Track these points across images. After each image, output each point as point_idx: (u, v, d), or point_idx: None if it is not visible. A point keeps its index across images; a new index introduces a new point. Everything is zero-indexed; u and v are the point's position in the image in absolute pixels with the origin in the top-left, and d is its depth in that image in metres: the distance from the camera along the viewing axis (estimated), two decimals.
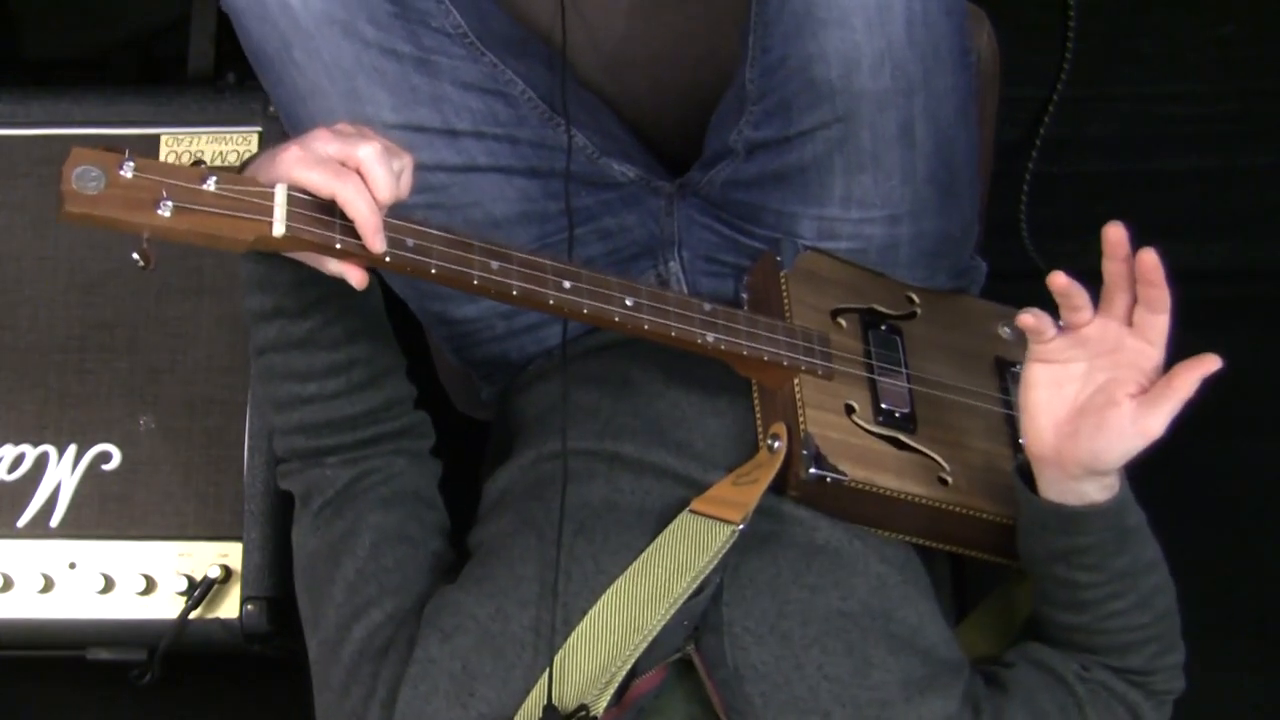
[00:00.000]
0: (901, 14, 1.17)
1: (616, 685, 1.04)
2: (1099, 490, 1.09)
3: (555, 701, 1.02)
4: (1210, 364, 1.02)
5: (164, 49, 1.77)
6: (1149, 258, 1.03)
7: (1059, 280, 1.06)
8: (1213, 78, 1.80)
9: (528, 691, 1.05)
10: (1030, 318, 1.08)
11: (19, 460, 1.42)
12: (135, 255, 0.94)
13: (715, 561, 1.08)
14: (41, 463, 1.42)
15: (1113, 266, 1.05)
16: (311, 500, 1.16)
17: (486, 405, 1.46)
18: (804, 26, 1.18)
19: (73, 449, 1.42)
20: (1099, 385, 1.07)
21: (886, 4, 1.16)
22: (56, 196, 0.92)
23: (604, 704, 1.03)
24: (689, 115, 1.41)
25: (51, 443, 1.42)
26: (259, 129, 1.46)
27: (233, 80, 1.52)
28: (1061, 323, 1.08)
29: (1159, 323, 1.05)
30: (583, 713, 1.02)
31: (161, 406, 1.43)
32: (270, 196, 0.97)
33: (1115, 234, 1.04)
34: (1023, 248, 1.80)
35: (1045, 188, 1.80)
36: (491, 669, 1.06)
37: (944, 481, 1.18)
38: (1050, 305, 1.09)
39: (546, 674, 1.04)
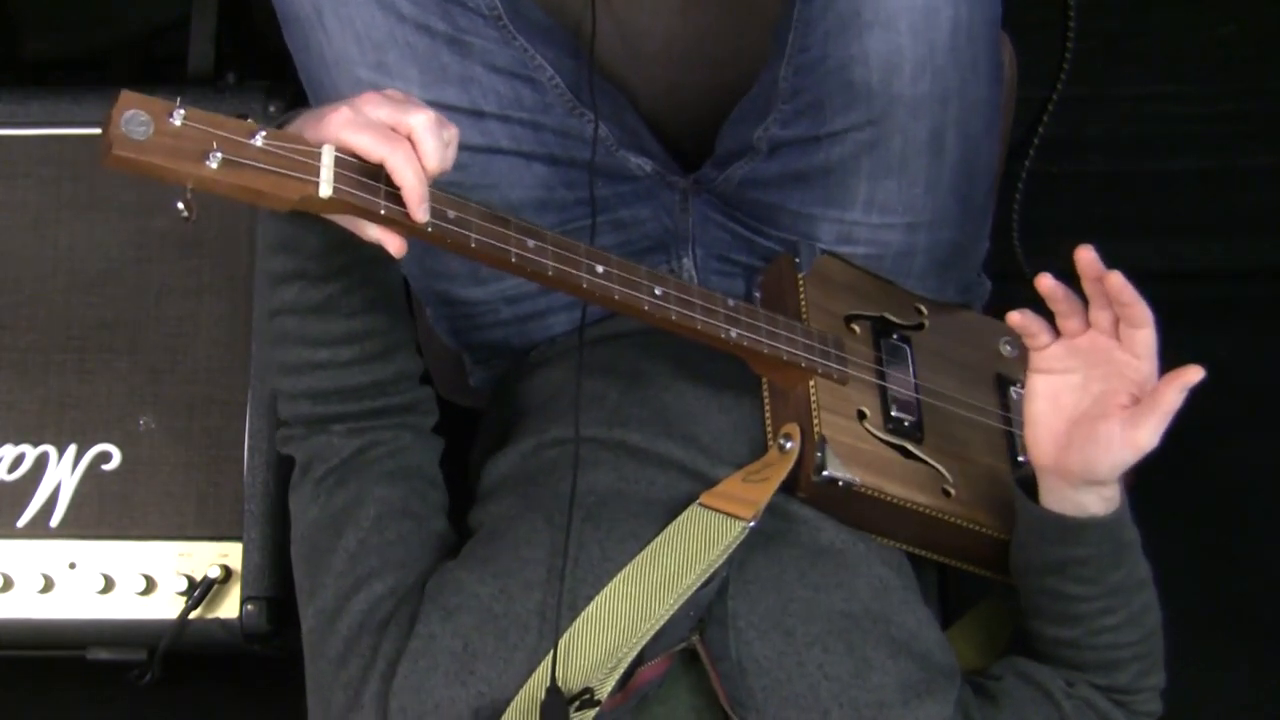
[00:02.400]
0: (947, 22, 1.17)
1: (622, 671, 1.04)
2: (1098, 502, 1.09)
3: (559, 684, 1.02)
4: (1193, 375, 1.02)
5: (164, 49, 1.77)
6: (1115, 280, 1.04)
7: (1045, 283, 1.06)
8: (1213, 78, 1.81)
9: (530, 673, 1.04)
10: (1018, 316, 1.09)
11: (19, 460, 1.42)
12: (180, 205, 0.92)
13: (725, 556, 1.08)
14: (41, 463, 1.42)
15: (1089, 287, 1.06)
16: (313, 468, 1.16)
17: (474, 391, 1.46)
18: (849, 28, 1.18)
19: (73, 449, 1.42)
20: (1094, 396, 1.08)
21: (933, 10, 1.16)
22: (102, 143, 0.90)
23: (608, 689, 1.03)
24: (706, 115, 1.41)
25: (51, 443, 1.42)
26: (264, 125, 1.46)
27: (233, 80, 1.52)
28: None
29: (1142, 336, 1.05)
30: (587, 696, 1.02)
31: (161, 406, 1.43)
32: (317, 156, 0.95)
33: (1086, 256, 1.04)
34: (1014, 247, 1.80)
35: (1044, 188, 1.80)
36: (494, 649, 1.06)
37: (947, 493, 1.18)
38: (1047, 310, 1.09)
39: (550, 655, 1.03)
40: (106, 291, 1.45)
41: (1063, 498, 1.10)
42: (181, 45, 1.62)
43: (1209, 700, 1.56)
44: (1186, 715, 1.22)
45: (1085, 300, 1.07)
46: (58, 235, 1.46)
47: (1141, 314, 1.04)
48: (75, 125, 1.47)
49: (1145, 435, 1.04)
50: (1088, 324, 1.08)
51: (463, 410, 1.50)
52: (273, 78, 1.48)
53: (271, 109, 1.45)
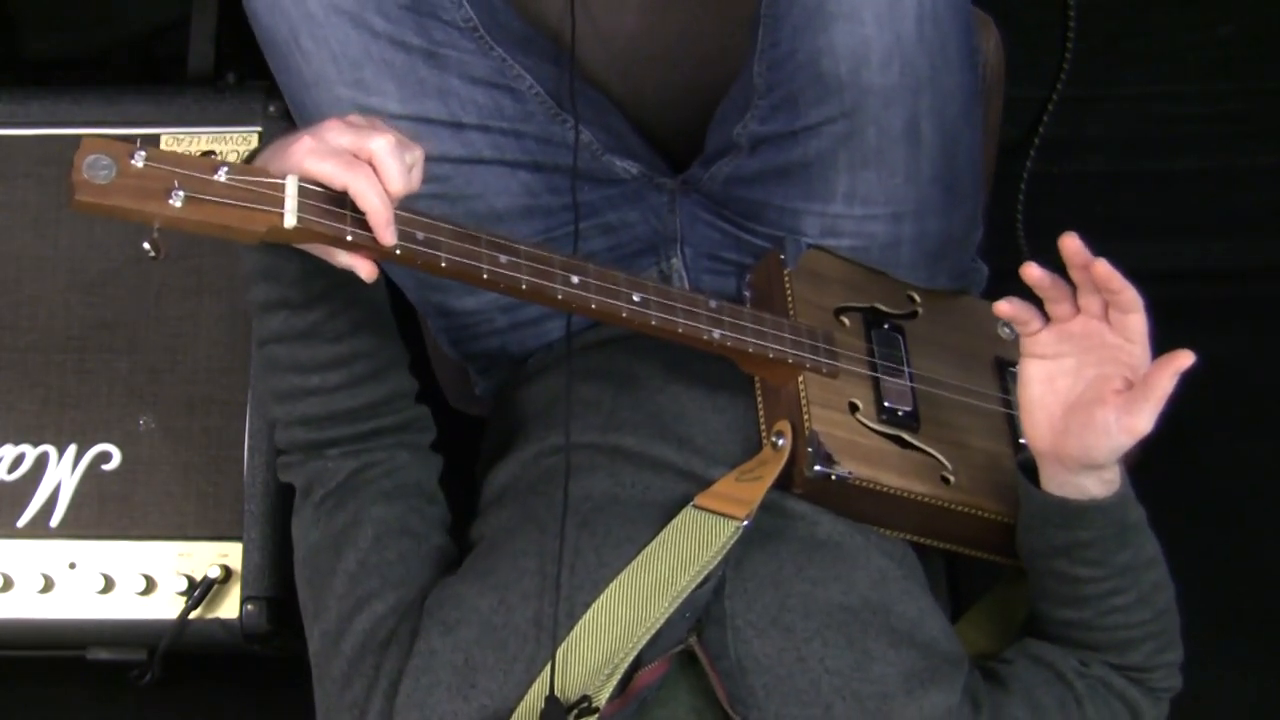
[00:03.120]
0: (912, 10, 1.17)
1: (619, 677, 1.04)
2: (1099, 485, 1.09)
3: (558, 693, 1.02)
4: (1183, 359, 1.03)
5: (164, 49, 1.77)
6: (1102, 268, 1.04)
7: (1031, 272, 1.07)
8: (1213, 78, 1.80)
9: (530, 684, 1.05)
10: (1006, 305, 1.09)
11: (19, 460, 1.42)
12: (146, 245, 0.94)
13: (720, 556, 1.08)
14: (41, 463, 1.42)
15: (1076, 275, 1.06)
16: (313, 492, 1.16)
17: (480, 400, 1.46)
18: (814, 20, 1.18)
19: (73, 449, 1.42)
20: (1089, 381, 1.08)
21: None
22: (66, 187, 0.92)
23: (606, 695, 1.03)
24: (692, 114, 1.41)
25: (51, 443, 1.42)
26: (259, 129, 1.46)
27: (233, 80, 1.52)
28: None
29: (1132, 321, 1.06)
30: (585, 704, 1.02)
31: (161, 406, 1.43)
32: (281, 188, 0.96)
33: (1071, 244, 1.05)
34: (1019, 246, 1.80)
35: (1044, 187, 1.80)
36: (494, 661, 1.06)
37: (946, 480, 1.18)
38: (1039, 299, 1.09)
39: (549, 666, 1.04)
40: (106, 291, 1.45)
41: (1063, 482, 1.10)
42: (181, 45, 1.62)
43: (1210, 700, 1.56)
44: (1187, 715, 1.22)
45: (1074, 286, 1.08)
46: (58, 235, 1.46)
47: (1130, 299, 1.05)
48: (75, 125, 1.46)
49: (1141, 421, 1.04)
50: (1077, 309, 1.08)
51: (473, 421, 1.50)
52: (273, 78, 1.47)
53: (271, 109, 1.45)
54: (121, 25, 1.81)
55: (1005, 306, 1.10)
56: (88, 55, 1.82)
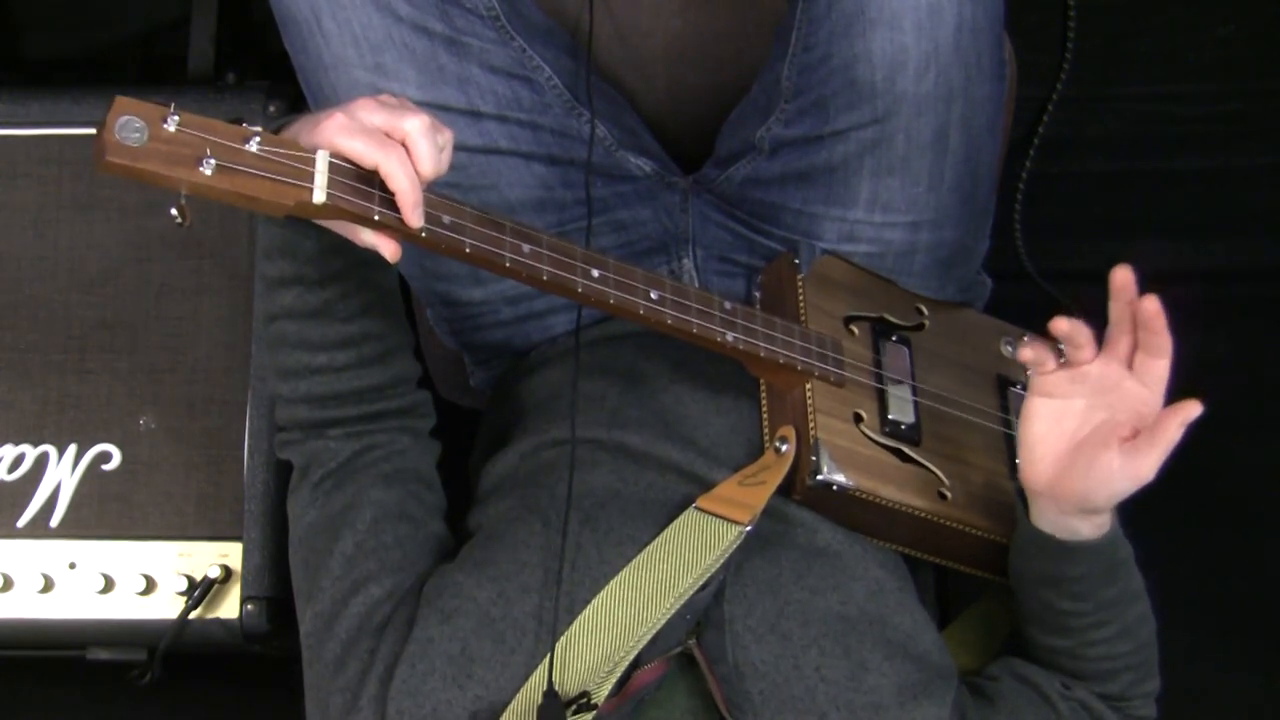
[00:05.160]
0: (952, 19, 1.17)
1: (619, 675, 1.04)
2: (1090, 528, 1.09)
3: (556, 688, 1.02)
4: (1192, 409, 1.02)
5: (164, 49, 1.77)
6: (1151, 305, 1.03)
7: (1061, 326, 1.05)
8: (1213, 78, 1.80)
9: (527, 676, 1.05)
10: (1029, 351, 1.08)
11: (19, 460, 1.42)
12: (173, 211, 0.92)
13: (722, 561, 1.08)
14: (41, 463, 1.42)
15: (1117, 308, 1.05)
16: (311, 471, 1.16)
17: (474, 391, 1.46)
18: (853, 26, 1.17)
19: (73, 449, 1.42)
20: (1096, 425, 1.07)
21: (937, 8, 1.16)
22: (96, 148, 0.90)
23: (605, 693, 1.03)
24: (706, 115, 1.41)
25: (51, 443, 1.42)
26: (259, 129, 1.45)
27: (232, 80, 1.53)
28: (1063, 359, 1.08)
29: (1158, 368, 1.05)
30: (584, 700, 1.02)
31: (161, 406, 1.43)
32: (311, 162, 0.95)
33: (1123, 276, 1.03)
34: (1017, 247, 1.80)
35: (1044, 188, 1.80)
36: (491, 652, 1.06)
37: (943, 496, 1.18)
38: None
39: (547, 659, 1.03)
40: (106, 291, 1.45)
41: (1053, 521, 1.10)
42: (181, 45, 1.63)
43: (1212, 701, 1.56)
44: (1189, 715, 1.22)
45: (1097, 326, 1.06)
46: (58, 235, 1.46)
47: (1165, 344, 1.04)
48: (75, 125, 1.47)
49: (1146, 468, 1.03)
50: (1095, 354, 1.06)
51: (463, 412, 1.50)
52: (273, 78, 1.48)
53: (271, 109, 1.45)
54: (121, 25, 1.81)
55: (1028, 353, 1.08)
56: (88, 55, 1.82)
